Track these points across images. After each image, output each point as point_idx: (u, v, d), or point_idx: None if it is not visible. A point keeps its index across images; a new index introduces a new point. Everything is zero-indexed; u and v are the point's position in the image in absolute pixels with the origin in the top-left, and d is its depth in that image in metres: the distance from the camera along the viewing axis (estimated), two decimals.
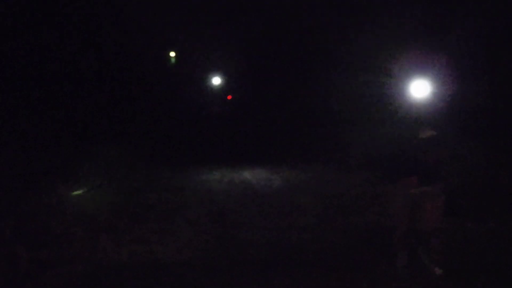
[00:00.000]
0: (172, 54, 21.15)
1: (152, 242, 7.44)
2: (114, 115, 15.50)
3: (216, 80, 21.01)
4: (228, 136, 17.12)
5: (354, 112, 14.86)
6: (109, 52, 16.18)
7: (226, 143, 16.32)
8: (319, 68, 16.33)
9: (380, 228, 7.69)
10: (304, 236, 7.56)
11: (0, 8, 12.52)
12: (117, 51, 16.49)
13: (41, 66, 13.22)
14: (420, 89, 5.84)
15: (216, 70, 20.75)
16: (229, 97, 21.33)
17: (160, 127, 16.86)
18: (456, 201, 8.57)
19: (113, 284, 6.09)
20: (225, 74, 20.82)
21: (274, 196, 10.09)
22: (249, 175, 12.24)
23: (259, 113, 18.75)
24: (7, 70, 12.18)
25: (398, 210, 6.10)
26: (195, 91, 20.36)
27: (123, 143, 14.13)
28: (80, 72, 14.50)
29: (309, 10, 15.64)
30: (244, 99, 20.31)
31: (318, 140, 14.93)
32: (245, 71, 19.59)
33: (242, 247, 7.19)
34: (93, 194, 9.95)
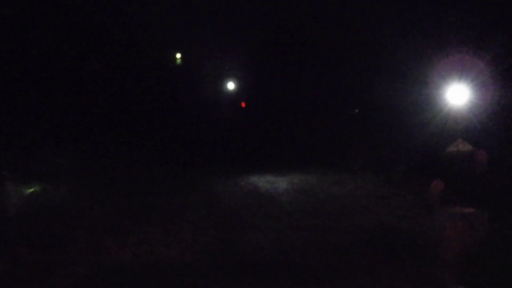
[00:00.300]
0: (178, 55, 21.02)
1: (155, 244, 7.47)
2: (120, 117, 15.52)
3: (229, 84, 20.81)
4: (234, 139, 17.08)
5: (364, 115, 14.81)
6: (117, 54, 16.18)
7: (232, 146, 16.30)
8: (335, 70, 16.00)
9: (384, 229, 7.69)
10: (307, 237, 7.56)
11: (6, 9, 12.60)
12: (124, 53, 16.50)
13: (46, 68, 13.28)
14: (457, 95, 5.33)
15: (227, 74, 20.59)
16: (243, 104, 21.12)
17: (167, 129, 16.82)
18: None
19: (116, 285, 6.13)
20: (237, 78, 20.64)
21: (278, 198, 10.09)
22: (254, 177, 12.23)
23: (266, 116, 18.67)
24: (11, 71, 12.25)
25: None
26: (204, 94, 20.22)
27: (128, 145, 14.15)
28: (85, 74, 14.53)
29: (334, 10, 15.05)
30: (253, 102, 20.19)
31: (322, 144, 14.89)
32: (259, 75, 19.36)
33: (245, 249, 7.20)
34: (94, 195, 9.97)
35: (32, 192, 9.36)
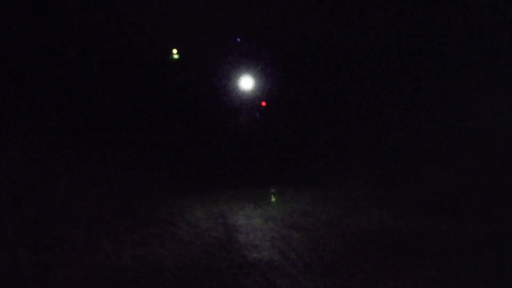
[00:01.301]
0: (175, 51, 20.54)
1: (154, 245, 7.47)
2: (117, 118, 15.42)
3: (246, 83, 20.28)
4: (232, 143, 16.94)
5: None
6: (123, 53, 16.02)
7: (229, 150, 16.18)
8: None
9: (382, 229, 7.70)
10: (305, 238, 7.57)
11: (2, 9, 12.57)
12: (132, 52, 16.33)
13: (44, 69, 13.25)
14: None
15: (244, 72, 20.19)
16: (264, 103, 20.68)
17: (169, 131, 16.66)
18: (457, 202, 8.59)
19: (114, 286, 6.13)
20: (254, 77, 20.20)
21: (274, 199, 10.08)
22: (249, 178, 12.19)
23: (271, 120, 18.46)
24: (9, 72, 12.21)
25: None
26: (216, 93, 19.86)
27: (126, 146, 14.08)
28: (83, 74, 14.46)
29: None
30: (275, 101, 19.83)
31: (322, 146, 14.83)
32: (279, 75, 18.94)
33: (243, 250, 7.21)
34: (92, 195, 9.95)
35: None
